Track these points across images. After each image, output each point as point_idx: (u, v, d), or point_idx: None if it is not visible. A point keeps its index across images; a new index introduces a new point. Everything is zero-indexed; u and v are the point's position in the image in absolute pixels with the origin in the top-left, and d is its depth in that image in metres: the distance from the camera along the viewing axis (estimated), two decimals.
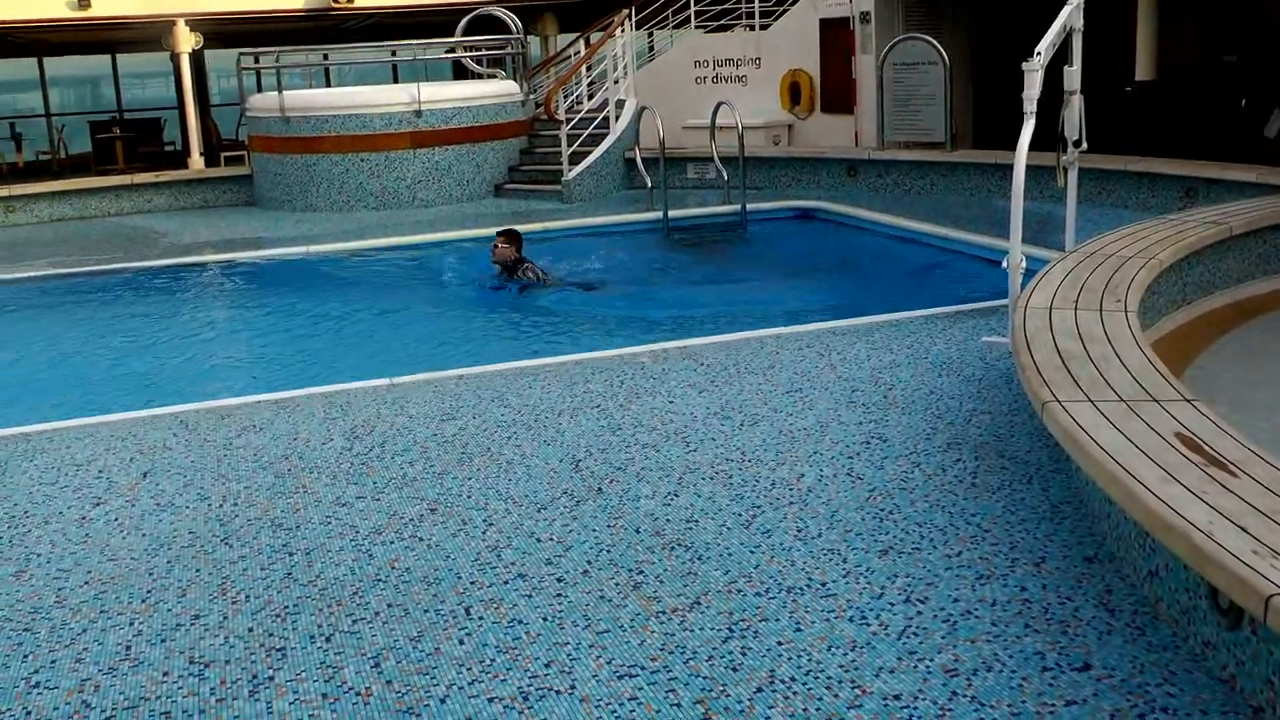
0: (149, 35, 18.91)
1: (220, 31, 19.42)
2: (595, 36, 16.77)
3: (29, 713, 3.53)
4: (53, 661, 3.82)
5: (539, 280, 10.60)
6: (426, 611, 3.95)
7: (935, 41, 13.95)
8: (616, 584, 4.08)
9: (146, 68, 29.06)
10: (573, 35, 19.44)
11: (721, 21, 18.21)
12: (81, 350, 9.56)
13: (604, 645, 3.66)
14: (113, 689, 3.62)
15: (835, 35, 15.83)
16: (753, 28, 17.54)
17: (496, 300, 10.54)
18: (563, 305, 10.26)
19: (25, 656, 3.87)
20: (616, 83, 16.01)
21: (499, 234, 10.92)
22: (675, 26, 18.40)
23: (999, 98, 13.94)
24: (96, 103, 29.86)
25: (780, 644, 3.61)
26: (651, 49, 19.95)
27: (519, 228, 11.28)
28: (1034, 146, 6.26)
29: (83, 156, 21.60)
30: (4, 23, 17.72)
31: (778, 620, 3.77)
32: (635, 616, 3.84)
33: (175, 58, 18.62)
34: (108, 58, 26.09)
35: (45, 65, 25.26)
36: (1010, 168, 6.33)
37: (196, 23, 18.11)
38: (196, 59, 20.01)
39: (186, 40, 18.05)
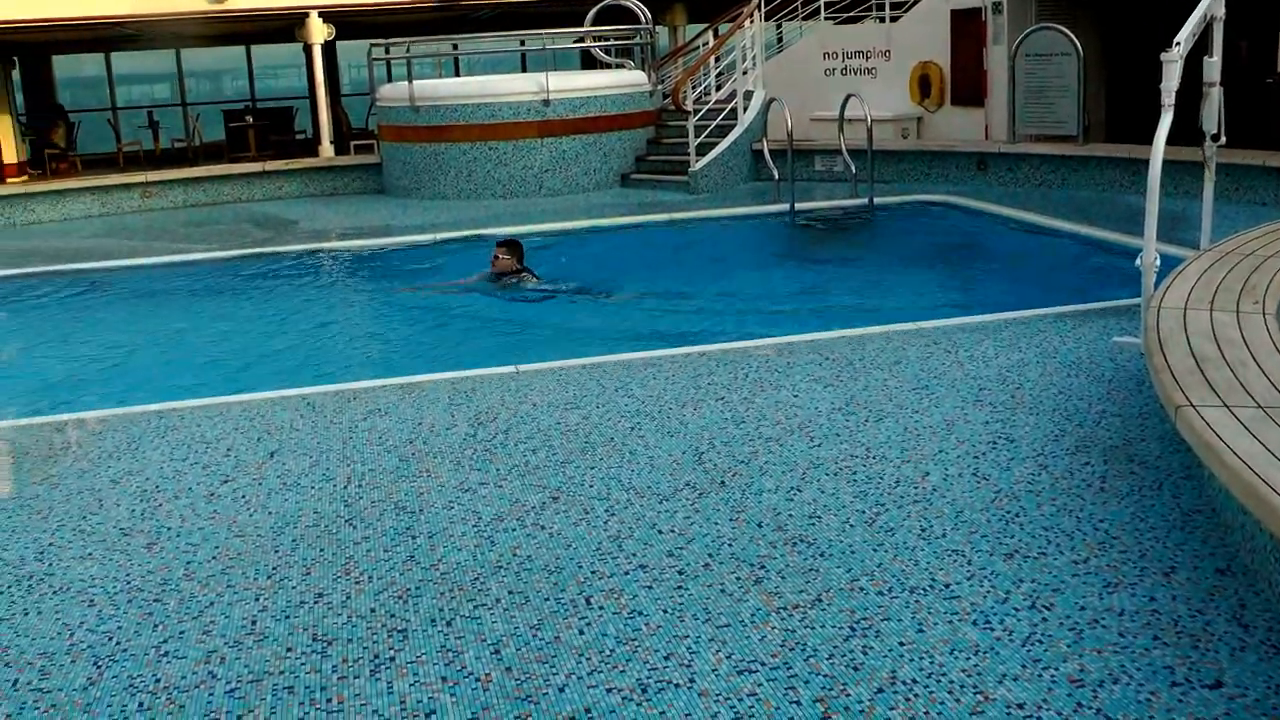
0: (283, 27, 19.29)
1: (351, 22, 19.75)
2: (724, 27, 16.72)
3: (158, 680, 3.61)
4: (181, 632, 3.91)
5: (539, 289, 10.37)
6: (547, 600, 3.96)
7: (1069, 32, 13.65)
8: (738, 578, 4.05)
9: (279, 59, 29.69)
10: (701, 26, 19.42)
11: (852, 13, 18.03)
12: (214, 331, 9.78)
13: (724, 640, 3.63)
14: (238, 662, 3.69)
15: (967, 26, 15.60)
16: (883, 19, 17.36)
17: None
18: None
19: (155, 626, 3.97)
20: (745, 74, 15.93)
21: (499, 244, 10.71)
22: (805, 18, 18.27)
23: (1133, 90, 13.63)
24: (231, 93, 30.59)
25: (902, 645, 3.55)
26: (780, 40, 19.85)
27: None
28: (1170, 141, 6.09)
29: (216, 144, 22.14)
30: (144, 16, 18.21)
31: (900, 621, 3.71)
32: (756, 612, 3.80)
33: (308, 49, 18.99)
34: (242, 49, 26.69)
35: (182, 57, 25.92)
36: (1145, 162, 6.16)
37: (329, 14, 18.45)
38: (328, 50, 20.36)
39: (319, 31, 18.39)
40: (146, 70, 30.63)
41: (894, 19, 17.03)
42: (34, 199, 17.20)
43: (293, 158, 18.78)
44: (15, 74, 22.48)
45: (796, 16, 18.27)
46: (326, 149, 18.78)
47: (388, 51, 17.40)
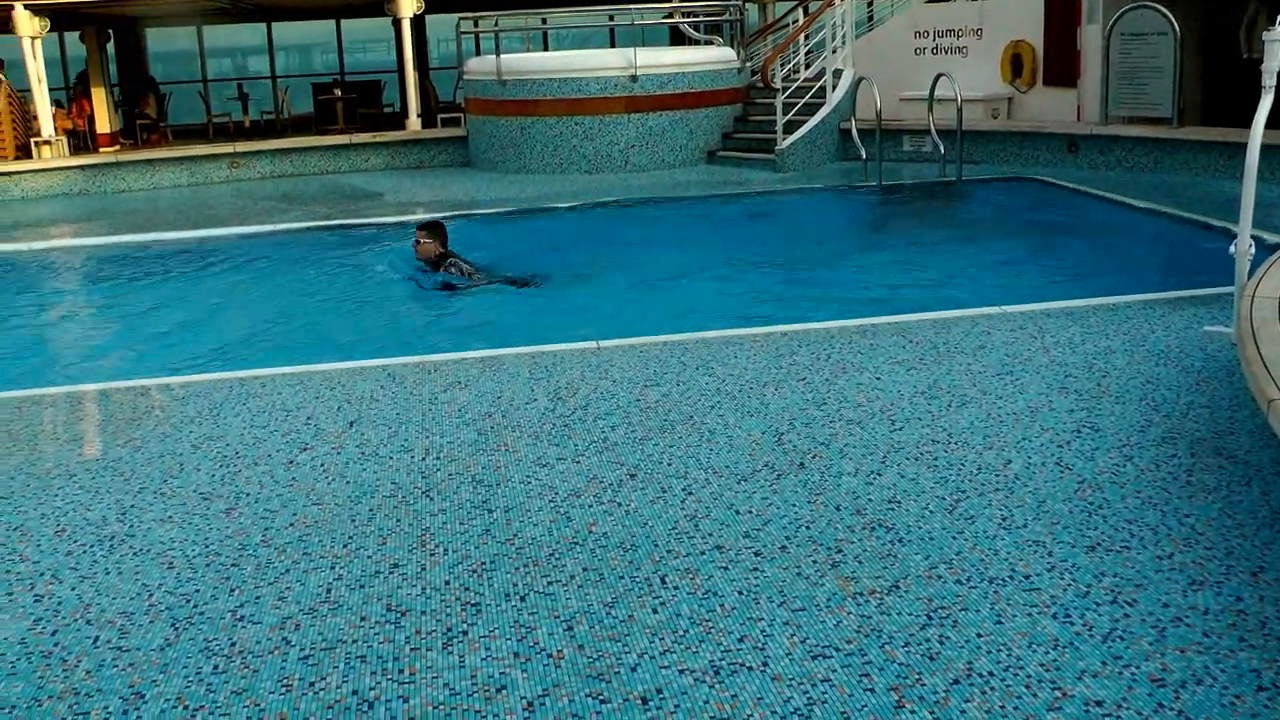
0: (373, 1, 19.39)
1: None
2: (814, 4, 16.57)
3: (233, 644, 3.66)
4: (257, 598, 3.95)
5: (465, 276, 9.73)
6: (621, 578, 3.94)
7: (1166, 11, 13.34)
8: (814, 562, 4.01)
9: (368, 34, 29.89)
10: (791, 3, 19.25)
11: None
12: (293, 301, 9.89)
13: (799, 624, 3.60)
14: (312, 629, 3.72)
15: (1061, 4, 15.31)
16: None
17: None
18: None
19: (232, 590, 4.02)
20: (835, 52, 15.78)
21: (419, 228, 10.11)
22: None
23: (1232, 72, 13.30)
24: (319, 66, 30.87)
25: (980, 636, 3.49)
26: (870, 18, 19.62)
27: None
28: (1269, 125, 5.91)
29: (304, 117, 22.36)
30: None
31: (978, 611, 3.64)
32: (832, 596, 3.76)
33: (397, 22, 19.05)
34: (332, 23, 26.90)
35: (273, 31, 26.19)
36: (1241, 146, 5.99)
37: None
38: (417, 23, 20.44)
39: (409, 5, 18.45)
40: (239, 43, 31.00)
41: None
42: (125, 168, 17.50)
43: (380, 131, 18.91)
44: (110, 47, 22.83)
45: None
46: (414, 122, 18.87)
47: (476, 25, 17.44)
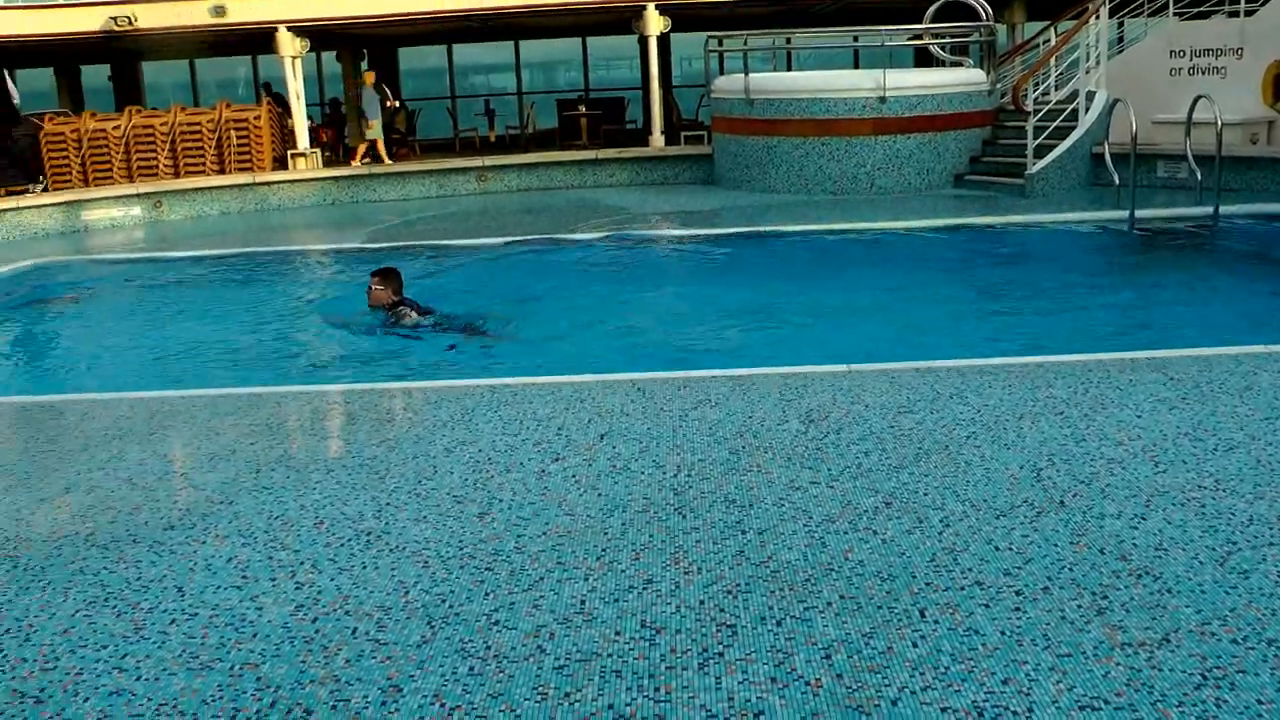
0: (620, 19, 19.72)
1: (688, 15, 19.98)
2: (1065, 25, 16.12)
3: (488, 647, 3.73)
4: (511, 604, 4.02)
5: (414, 326, 9.27)
6: (880, 608, 3.87)
7: None
8: (1079, 606, 3.86)
9: (613, 51, 30.40)
10: (1041, 23, 18.79)
11: (1201, 9, 17.02)
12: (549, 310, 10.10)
13: (1064, 670, 3.46)
14: (566, 639, 3.76)
15: None
16: (1236, 14, 16.31)
17: None
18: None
19: (486, 595, 4.10)
20: (1087, 73, 15.31)
21: (373, 274, 9.60)
22: (1151, 14, 17.38)
23: None
24: (563, 83, 31.54)
25: (1260, 703, 3.28)
26: (1120, 39, 18.99)
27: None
28: None
29: (547, 132, 22.83)
30: (487, 10, 18.93)
31: (1257, 675, 3.43)
32: (1099, 645, 3.61)
33: (643, 40, 19.32)
34: (578, 41, 27.44)
35: (520, 48, 26.89)
36: None
37: (666, 7, 18.72)
38: (663, 41, 20.67)
39: (656, 24, 18.70)
40: (485, 60, 31.92)
41: (1249, 13, 15.95)
42: (377, 180, 18.23)
43: (623, 147, 19.18)
44: (363, 65, 23.80)
45: (1142, 12, 17.40)
46: (657, 139, 19.09)
47: (721, 44, 17.55)
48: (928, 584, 4.04)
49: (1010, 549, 4.31)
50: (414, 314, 9.35)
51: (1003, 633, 3.69)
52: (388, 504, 4.98)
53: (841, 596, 3.97)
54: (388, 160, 19.55)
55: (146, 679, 3.66)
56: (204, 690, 3.57)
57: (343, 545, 4.57)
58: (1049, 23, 17.93)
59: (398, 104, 20.72)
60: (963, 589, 3.99)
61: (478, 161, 18.47)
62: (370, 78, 20.18)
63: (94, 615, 4.13)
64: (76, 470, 5.72)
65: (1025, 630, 3.71)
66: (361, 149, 19.81)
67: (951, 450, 5.36)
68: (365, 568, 4.36)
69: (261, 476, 5.45)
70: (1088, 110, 15.08)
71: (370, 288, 9.50)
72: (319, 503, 5.05)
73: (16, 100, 15.46)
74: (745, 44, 16.99)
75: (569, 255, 12.44)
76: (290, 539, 4.67)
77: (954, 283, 10.68)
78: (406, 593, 4.13)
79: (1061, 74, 15.99)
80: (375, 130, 19.54)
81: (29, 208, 16.17)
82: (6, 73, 15.26)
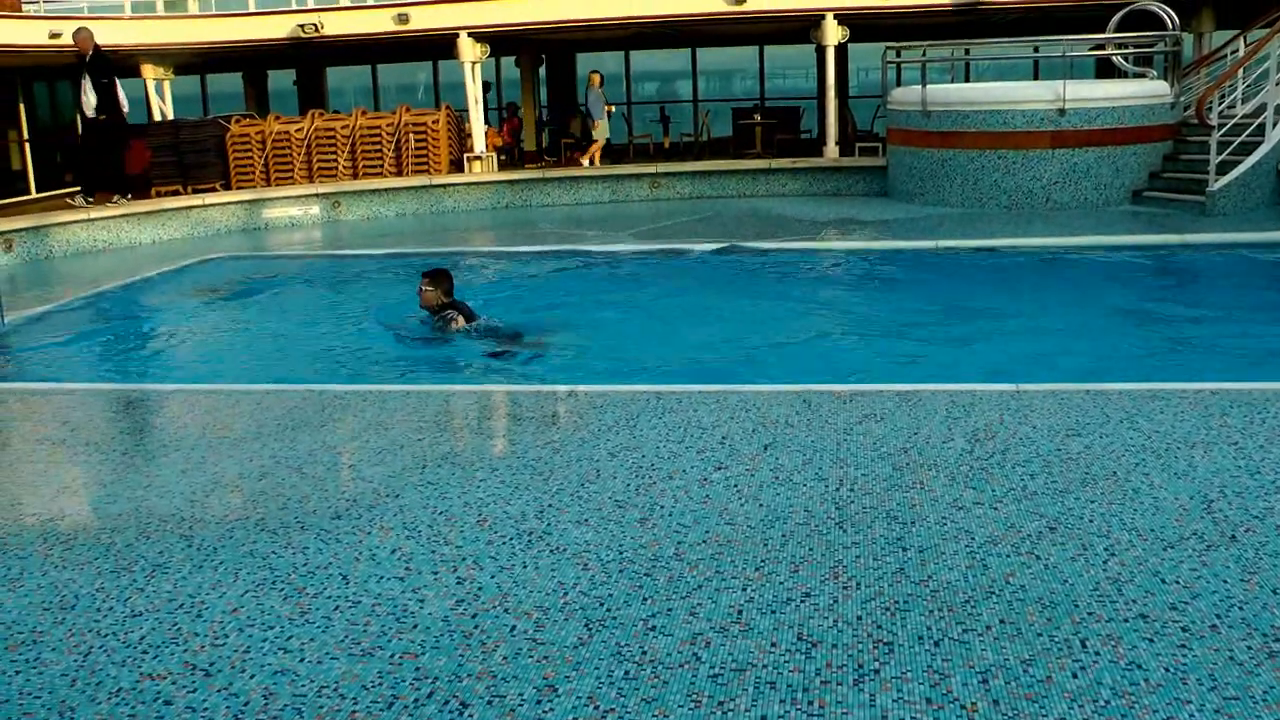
0: (798, 29, 19.67)
1: (866, 25, 19.85)
2: (1256, 34, 15.55)
3: (644, 652, 3.78)
4: (669, 610, 4.06)
5: (465, 330, 9.14)
6: (1040, 635, 3.82)
7: None
8: (1249, 647, 3.73)
9: (788, 61, 30.33)
10: (1230, 32, 18.16)
11: None
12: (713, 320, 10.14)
13: (1231, 714, 3.35)
14: (722, 648, 3.78)
15: None
16: None
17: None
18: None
19: (644, 600, 4.15)
20: (1277, 85, 14.75)
21: (424, 275, 9.40)
22: None
23: None
24: (738, 91, 31.59)
25: None
26: None
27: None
28: None
29: (720, 141, 22.86)
30: (667, 17, 19.06)
31: None
32: (1270, 690, 3.48)
33: (820, 50, 19.24)
34: (754, 50, 27.44)
35: (697, 56, 27.02)
36: None
37: (845, 17, 18.61)
38: (840, 51, 20.56)
39: (834, 33, 18.60)
40: (661, 68, 32.14)
41: None
42: (550, 184, 18.50)
43: (797, 157, 19.13)
44: (541, 70, 24.19)
45: None
46: (832, 150, 18.99)
47: (899, 55, 17.37)
48: (1090, 613, 3.96)
49: (1177, 582, 4.20)
50: (461, 319, 9.24)
51: (1166, 669, 3.60)
52: (550, 505, 5.08)
53: (1001, 621, 3.92)
54: (596, 163, 19.88)
55: (309, 661, 3.82)
56: (364, 676, 3.71)
57: (504, 543, 4.69)
58: (1238, 32, 17.31)
59: (612, 108, 21.01)
60: (1126, 621, 3.91)
61: (652, 168, 18.61)
62: (597, 79, 20.53)
63: (262, 597, 4.32)
64: (249, 457, 5.97)
65: (1190, 669, 3.61)
66: (592, 150, 20.16)
67: (1119, 476, 5.24)
68: (525, 567, 4.46)
69: (427, 471, 5.61)
70: (1276, 125, 14.52)
71: (420, 289, 9.38)
72: (482, 500, 5.18)
73: (126, 109, 16.14)
74: (923, 55, 16.80)
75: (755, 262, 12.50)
76: (453, 534, 4.80)
77: (1126, 302, 10.38)
78: (565, 594, 4.22)
79: (1249, 86, 15.44)
80: (602, 130, 19.91)
81: (214, 205, 16.83)
82: (117, 81, 15.93)
